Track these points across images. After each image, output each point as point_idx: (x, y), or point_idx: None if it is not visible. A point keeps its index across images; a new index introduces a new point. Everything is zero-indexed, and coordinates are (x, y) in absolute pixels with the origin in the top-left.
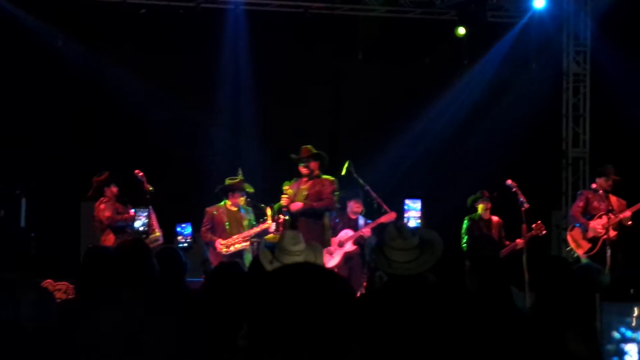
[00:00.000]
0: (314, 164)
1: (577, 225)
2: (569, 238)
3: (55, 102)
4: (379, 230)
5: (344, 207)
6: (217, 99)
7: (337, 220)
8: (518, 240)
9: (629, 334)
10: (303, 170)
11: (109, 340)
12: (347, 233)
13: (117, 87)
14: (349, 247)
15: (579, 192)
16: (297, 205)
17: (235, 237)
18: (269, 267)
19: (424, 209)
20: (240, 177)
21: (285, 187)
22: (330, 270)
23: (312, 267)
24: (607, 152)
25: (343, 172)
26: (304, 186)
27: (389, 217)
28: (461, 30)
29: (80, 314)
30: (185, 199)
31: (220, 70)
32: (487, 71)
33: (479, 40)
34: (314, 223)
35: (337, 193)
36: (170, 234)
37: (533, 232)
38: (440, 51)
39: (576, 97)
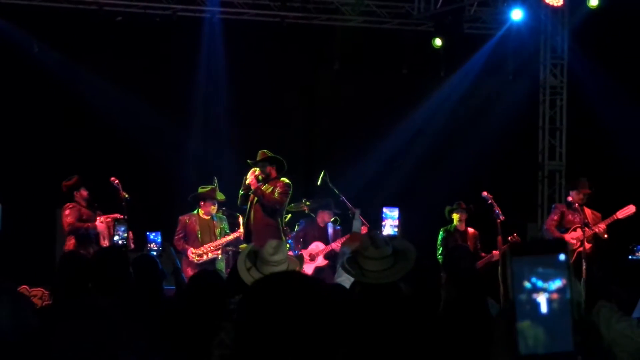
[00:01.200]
0: (269, 168)
1: (550, 238)
2: None
3: (31, 108)
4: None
5: (313, 218)
6: (192, 107)
7: (302, 226)
8: (494, 252)
9: (540, 284)
10: (260, 174)
11: (83, 348)
12: (317, 246)
13: (93, 94)
14: (320, 261)
15: (553, 205)
16: (254, 184)
17: (206, 245)
18: (246, 275)
19: (401, 217)
20: (211, 186)
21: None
22: (316, 278)
23: (299, 276)
24: (583, 165)
25: (319, 182)
26: (264, 187)
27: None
28: (438, 42)
29: (55, 321)
30: (158, 207)
31: (195, 79)
32: (463, 83)
33: (456, 52)
34: (266, 224)
35: (286, 194)
36: (141, 242)
37: (509, 244)
38: (417, 62)
39: (553, 109)
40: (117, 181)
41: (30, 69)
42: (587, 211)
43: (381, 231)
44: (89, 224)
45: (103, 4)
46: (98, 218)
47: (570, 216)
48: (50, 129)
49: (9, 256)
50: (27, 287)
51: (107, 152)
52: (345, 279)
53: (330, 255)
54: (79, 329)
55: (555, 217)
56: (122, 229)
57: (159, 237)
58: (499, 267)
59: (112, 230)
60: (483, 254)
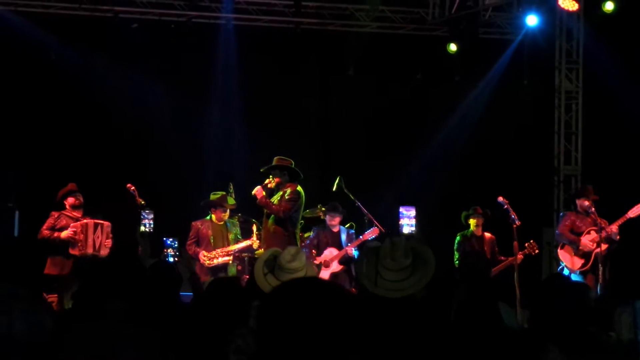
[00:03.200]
0: (281, 175)
1: (567, 242)
2: (560, 255)
3: (48, 114)
4: (364, 246)
5: (325, 223)
6: (207, 113)
7: (315, 233)
8: (511, 258)
9: None
10: (273, 180)
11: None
12: (331, 252)
13: (109, 100)
14: (335, 266)
15: (561, 213)
16: (259, 193)
17: (218, 250)
18: (262, 281)
19: (418, 217)
20: (222, 192)
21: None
22: (335, 284)
23: (318, 282)
24: (599, 170)
25: (334, 188)
26: (276, 195)
27: (372, 233)
28: (453, 47)
29: (70, 325)
30: (174, 214)
31: (210, 85)
32: (479, 87)
33: (471, 57)
34: (274, 231)
35: (293, 201)
36: (158, 247)
37: (526, 250)
38: (432, 67)
39: (568, 114)
40: (133, 188)
41: (47, 75)
42: (595, 217)
43: (399, 231)
44: (56, 234)
45: (119, 11)
46: (79, 222)
47: (578, 222)
48: (67, 135)
49: (25, 261)
50: (44, 294)
51: (123, 158)
52: None
53: (345, 260)
54: (93, 334)
55: (567, 223)
56: (150, 216)
57: (176, 243)
58: (515, 273)
59: (90, 236)
60: (502, 258)
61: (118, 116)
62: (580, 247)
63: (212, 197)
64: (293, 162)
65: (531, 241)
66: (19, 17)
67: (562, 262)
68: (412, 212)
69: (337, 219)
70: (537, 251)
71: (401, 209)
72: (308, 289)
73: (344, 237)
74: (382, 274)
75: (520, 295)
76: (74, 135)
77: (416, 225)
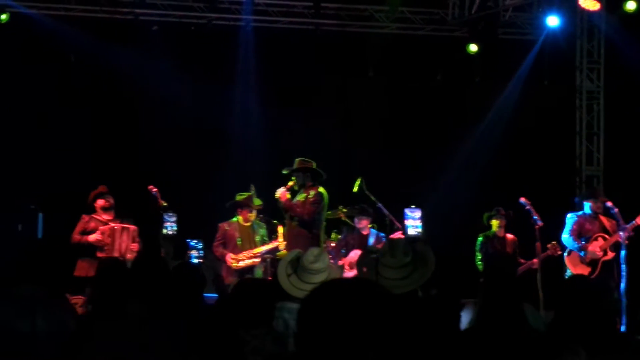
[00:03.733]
0: (304, 177)
1: (574, 249)
2: (567, 262)
3: (68, 117)
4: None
5: (353, 226)
6: (227, 115)
7: (343, 236)
8: (535, 260)
9: None
10: (296, 183)
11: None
12: (356, 254)
13: (130, 103)
14: None
15: (568, 216)
16: (283, 196)
17: (245, 252)
18: (285, 281)
19: (424, 218)
20: (248, 193)
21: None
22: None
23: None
24: (621, 170)
25: (355, 189)
26: (298, 197)
27: (396, 236)
28: (473, 47)
29: (92, 327)
30: (198, 215)
31: (230, 86)
32: (499, 88)
33: (491, 58)
34: (297, 234)
35: (317, 204)
36: (182, 249)
37: (548, 252)
38: (452, 68)
39: (590, 114)
40: (155, 189)
41: (67, 78)
42: (602, 219)
43: (405, 232)
44: (86, 237)
45: (139, 13)
46: (107, 226)
47: (587, 225)
48: (89, 138)
49: (49, 264)
50: (68, 295)
51: (146, 160)
52: None
53: None
54: (114, 335)
55: (575, 227)
56: (173, 218)
57: (201, 245)
58: (538, 274)
59: (116, 240)
60: (522, 260)
61: (139, 118)
62: (588, 257)
63: (238, 197)
64: (314, 163)
65: (553, 242)
66: (40, 19)
67: (569, 270)
68: (418, 213)
69: (365, 222)
70: (559, 252)
71: (406, 211)
72: (350, 290)
73: (372, 240)
74: (382, 273)
75: (544, 297)
76: (96, 137)
77: (422, 227)
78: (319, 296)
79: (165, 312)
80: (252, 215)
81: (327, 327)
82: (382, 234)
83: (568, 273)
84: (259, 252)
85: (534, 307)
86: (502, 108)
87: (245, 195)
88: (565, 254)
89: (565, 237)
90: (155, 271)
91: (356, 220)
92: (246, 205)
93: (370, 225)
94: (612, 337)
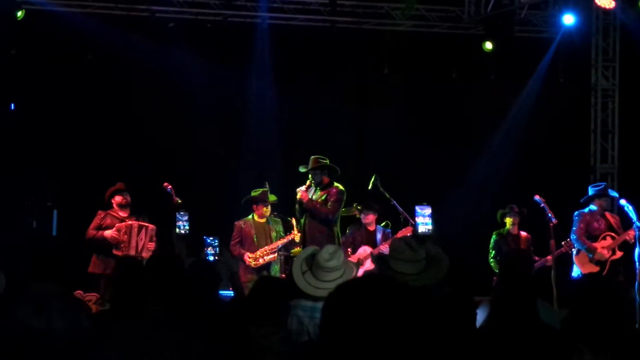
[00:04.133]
0: (322, 175)
1: (583, 248)
2: (576, 261)
3: (85, 113)
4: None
5: (360, 222)
6: (243, 112)
7: (350, 231)
8: (548, 257)
9: None
10: (313, 181)
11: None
12: (365, 250)
13: (146, 101)
14: (369, 264)
15: (575, 214)
16: (305, 196)
17: (262, 249)
18: (300, 279)
19: (434, 215)
20: (263, 189)
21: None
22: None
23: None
24: (636, 168)
25: (370, 187)
26: (315, 196)
27: (405, 231)
28: (488, 45)
29: (107, 325)
30: (213, 213)
31: (246, 84)
32: (515, 86)
33: (507, 56)
34: (319, 231)
35: (340, 202)
36: (198, 246)
37: (562, 249)
38: (467, 66)
39: (604, 112)
40: (170, 187)
41: (84, 74)
42: (608, 216)
43: (415, 229)
44: (101, 233)
45: (155, 10)
46: (123, 223)
47: (595, 224)
48: (105, 134)
49: (64, 260)
50: (82, 292)
51: (160, 158)
52: None
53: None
54: (130, 333)
55: (582, 226)
56: (185, 217)
57: (217, 242)
58: (552, 272)
59: (133, 238)
60: (536, 258)
61: (156, 116)
62: (596, 257)
63: (253, 193)
64: (328, 160)
65: (567, 240)
66: (56, 16)
67: (578, 269)
68: (428, 210)
69: (371, 217)
70: (573, 249)
71: (417, 208)
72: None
73: (379, 235)
74: (400, 269)
75: (557, 294)
76: (112, 133)
77: (432, 224)
78: (342, 294)
79: (181, 309)
80: (267, 211)
81: (350, 324)
82: (389, 230)
83: (577, 272)
84: (275, 247)
85: (550, 305)
86: (518, 106)
87: (259, 191)
88: (574, 253)
89: (574, 236)
90: (171, 269)
91: (362, 215)
92: (261, 200)
93: (383, 224)
94: (629, 336)
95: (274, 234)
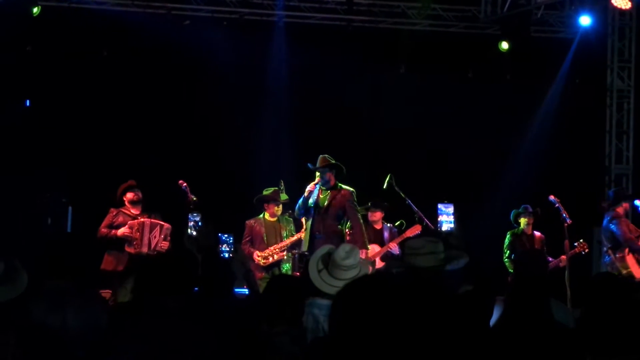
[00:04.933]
0: (329, 174)
1: (637, 250)
2: (629, 261)
3: (100, 110)
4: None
5: (366, 220)
6: (259, 111)
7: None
8: (562, 257)
9: None
10: (320, 179)
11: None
12: (373, 249)
13: (162, 98)
14: (377, 263)
15: (610, 217)
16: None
17: (271, 248)
18: (316, 277)
19: (456, 213)
20: (274, 188)
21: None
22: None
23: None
24: None
25: (385, 186)
26: (322, 195)
27: (414, 230)
28: (504, 45)
29: (124, 320)
30: (229, 210)
31: (262, 82)
32: (530, 86)
33: (523, 55)
34: (333, 231)
35: (356, 203)
36: (211, 243)
37: (576, 249)
38: (483, 65)
39: (620, 113)
40: (185, 184)
41: (99, 71)
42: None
43: (439, 227)
44: (114, 232)
45: (171, 7)
46: (136, 220)
47: (631, 225)
48: (120, 131)
49: (78, 257)
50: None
51: (176, 155)
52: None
53: (386, 257)
54: (147, 329)
55: (625, 228)
56: (197, 217)
57: (232, 239)
58: (566, 272)
59: (145, 235)
60: (550, 258)
61: (171, 113)
62: None
63: (265, 192)
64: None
65: (581, 240)
66: (72, 13)
67: (631, 271)
68: (451, 209)
69: (378, 214)
70: (587, 250)
71: (439, 206)
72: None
73: (386, 234)
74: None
75: (571, 294)
76: (127, 130)
77: (455, 222)
78: (350, 292)
79: (197, 307)
80: (279, 210)
81: (358, 321)
82: (395, 229)
83: (630, 272)
84: (285, 245)
85: (564, 305)
86: (533, 106)
87: (271, 190)
88: (625, 254)
89: (625, 238)
90: (185, 266)
91: (369, 213)
92: (272, 199)
93: (397, 223)
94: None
95: (284, 233)
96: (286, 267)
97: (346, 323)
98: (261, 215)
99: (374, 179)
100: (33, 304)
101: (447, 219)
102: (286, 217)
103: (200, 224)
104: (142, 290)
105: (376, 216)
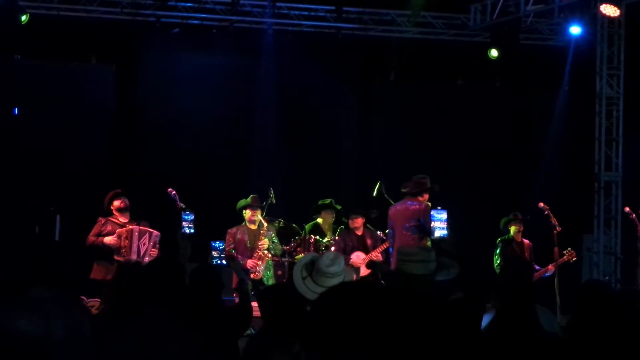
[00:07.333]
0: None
1: None
2: None
3: (88, 118)
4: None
5: (347, 226)
6: (248, 118)
7: (341, 236)
8: (550, 267)
9: None
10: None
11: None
12: (358, 256)
13: (150, 106)
14: (363, 271)
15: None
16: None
17: (250, 260)
18: (300, 284)
19: (449, 220)
20: (253, 195)
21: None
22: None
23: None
24: None
25: (374, 194)
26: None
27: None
28: (494, 53)
29: (106, 331)
30: (220, 217)
31: (252, 90)
32: (519, 93)
33: (512, 63)
34: None
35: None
36: (204, 250)
37: (565, 258)
38: (473, 73)
39: (609, 120)
40: (174, 192)
41: (87, 80)
42: None
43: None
44: (101, 239)
45: (161, 15)
46: (124, 228)
47: None
48: (108, 140)
49: (66, 266)
50: (85, 298)
51: (165, 163)
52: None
53: (371, 264)
54: (129, 339)
55: None
56: (190, 218)
57: (223, 246)
58: (555, 279)
59: (134, 242)
60: (537, 267)
61: (159, 122)
62: None
63: (242, 202)
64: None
65: (569, 249)
66: (60, 20)
67: None
68: (444, 215)
69: (359, 221)
70: (575, 258)
71: (433, 212)
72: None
73: (369, 240)
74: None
75: (561, 301)
76: (116, 139)
77: (448, 229)
78: (329, 299)
79: (183, 315)
80: (256, 214)
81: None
82: (379, 232)
83: None
84: (260, 252)
85: (550, 311)
86: (521, 113)
87: (249, 198)
88: None
89: None
90: (171, 275)
91: (350, 220)
92: (249, 206)
93: (387, 231)
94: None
95: (266, 239)
96: (268, 275)
97: (323, 329)
98: (243, 223)
99: (364, 186)
100: (16, 312)
101: (440, 225)
102: (273, 224)
103: (193, 230)
104: (122, 300)
105: (357, 222)
